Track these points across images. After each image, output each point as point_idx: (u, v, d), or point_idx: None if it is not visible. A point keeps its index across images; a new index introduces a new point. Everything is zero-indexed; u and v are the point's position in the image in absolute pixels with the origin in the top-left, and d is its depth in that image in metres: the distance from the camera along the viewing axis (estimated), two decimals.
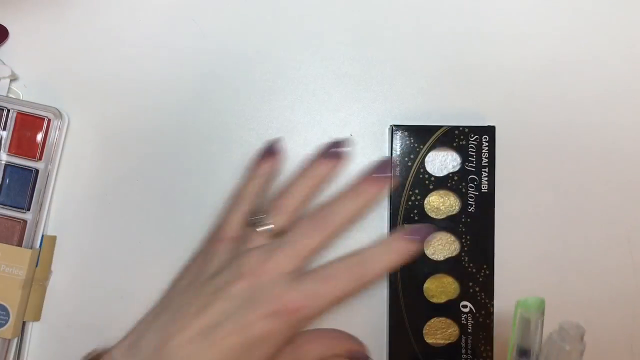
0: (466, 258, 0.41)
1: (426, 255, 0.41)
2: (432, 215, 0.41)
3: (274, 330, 0.32)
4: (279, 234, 0.35)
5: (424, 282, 0.42)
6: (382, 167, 0.37)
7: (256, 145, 0.45)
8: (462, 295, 0.42)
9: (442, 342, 0.42)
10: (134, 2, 0.45)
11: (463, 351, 0.42)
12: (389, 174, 0.37)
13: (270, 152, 0.41)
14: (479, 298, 0.42)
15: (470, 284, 0.42)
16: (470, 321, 0.42)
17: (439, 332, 0.42)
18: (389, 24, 0.45)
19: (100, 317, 0.45)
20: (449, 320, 0.42)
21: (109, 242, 0.45)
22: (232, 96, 0.45)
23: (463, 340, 0.42)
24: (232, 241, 0.36)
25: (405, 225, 0.40)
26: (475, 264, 0.41)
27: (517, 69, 0.44)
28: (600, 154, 0.45)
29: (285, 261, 0.33)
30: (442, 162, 0.42)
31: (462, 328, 0.42)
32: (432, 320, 0.42)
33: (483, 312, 0.42)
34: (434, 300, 0.42)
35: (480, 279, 0.42)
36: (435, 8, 0.45)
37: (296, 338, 0.35)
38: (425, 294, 0.42)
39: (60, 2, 0.45)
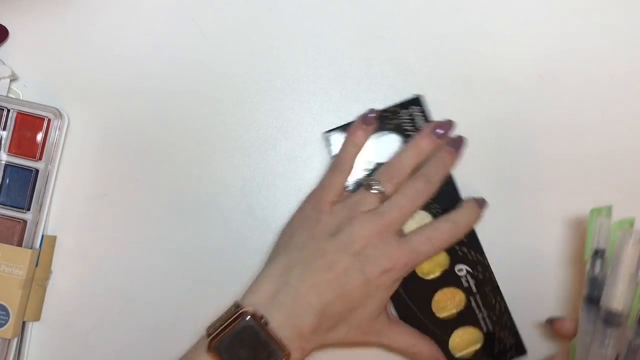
0: None
1: None
2: None
3: (386, 284, 0.38)
4: (385, 198, 0.39)
5: None
6: (457, 143, 0.41)
7: (256, 145, 0.45)
8: (454, 261, 0.42)
9: (454, 311, 0.42)
10: (134, 2, 0.45)
11: (477, 311, 0.42)
12: (461, 147, 0.41)
13: (365, 121, 0.42)
14: (470, 257, 0.42)
15: (457, 247, 0.42)
16: (471, 281, 0.42)
17: (447, 303, 0.42)
18: (389, 24, 0.45)
19: (100, 317, 0.45)
20: (451, 289, 0.42)
21: (109, 242, 0.45)
22: (232, 96, 0.45)
23: (472, 302, 0.42)
24: (342, 201, 0.40)
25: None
26: None
27: (517, 76, 0.44)
28: (601, 154, 0.45)
29: (395, 222, 0.39)
30: (384, 147, 0.43)
31: (467, 291, 0.42)
32: (436, 295, 0.42)
33: (479, 267, 0.42)
34: (431, 276, 0.42)
35: (465, 240, 0.42)
36: (435, 8, 0.45)
37: (397, 323, 0.41)
38: (420, 274, 0.42)
39: (60, 2, 0.45)
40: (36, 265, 0.43)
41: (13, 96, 0.44)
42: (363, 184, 0.40)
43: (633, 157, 0.44)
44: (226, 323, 0.36)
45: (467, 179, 0.43)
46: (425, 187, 0.39)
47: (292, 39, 0.45)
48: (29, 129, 0.43)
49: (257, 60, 0.45)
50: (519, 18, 0.45)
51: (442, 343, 0.42)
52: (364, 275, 0.37)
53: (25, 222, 0.43)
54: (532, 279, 0.44)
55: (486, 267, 0.42)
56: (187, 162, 0.44)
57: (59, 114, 0.43)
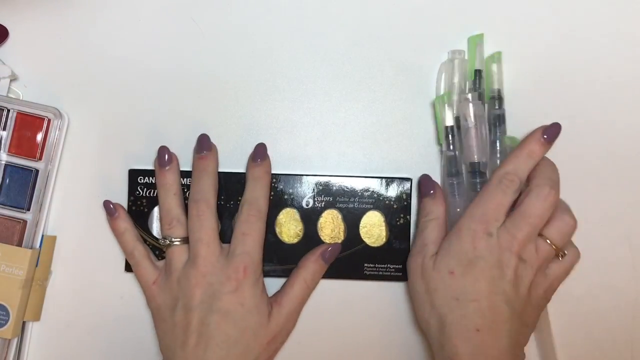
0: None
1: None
2: None
3: (246, 295, 0.40)
4: (186, 239, 0.41)
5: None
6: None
7: (256, 144, 0.45)
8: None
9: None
10: (134, 2, 0.45)
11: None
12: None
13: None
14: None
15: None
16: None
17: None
18: (389, 24, 0.45)
19: (100, 317, 0.45)
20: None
21: (108, 242, 0.44)
22: (232, 96, 0.45)
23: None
24: (161, 276, 0.42)
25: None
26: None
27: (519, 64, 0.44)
28: (600, 154, 0.45)
29: (208, 254, 0.40)
30: None
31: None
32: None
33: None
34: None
35: None
36: (435, 8, 0.45)
37: (282, 289, 0.43)
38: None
39: (60, 2, 0.45)
40: (36, 265, 0.43)
41: (13, 96, 0.44)
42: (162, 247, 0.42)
43: (633, 157, 0.44)
44: None
45: None
46: (205, 209, 0.40)
47: (292, 39, 0.45)
48: (29, 129, 0.43)
49: (257, 60, 0.45)
50: (520, 18, 0.45)
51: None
52: (220, 311, 0.39)
53: (25, 222, 0.43)
54: None
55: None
56: (187, 162, 0.44)
57: (59, 114, 0.43)
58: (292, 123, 0.45)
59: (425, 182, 0.43)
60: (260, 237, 0.41)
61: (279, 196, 0.44)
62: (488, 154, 0.42)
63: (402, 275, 0.44)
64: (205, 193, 0.41)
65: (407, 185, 0.44)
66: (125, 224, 0.43)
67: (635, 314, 0.43)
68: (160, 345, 0.41)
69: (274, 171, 0.44)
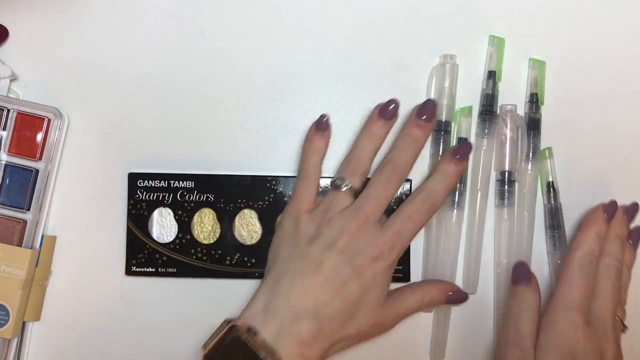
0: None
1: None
2: None
3: (380, 271, 0.39)
4: (357, 192, 0.40)
5: None
6: (425, 110, 0.41)
7: (257, 145, 0.45)
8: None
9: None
10: (134, 2, 0.45)
11: None
12: (433, 117, 0.41)
13: (319, 127, 0.42)
14: None
15: None
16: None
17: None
18: (389, 24, 0.45)
19: (100, 317, 0.45)
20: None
21: (109, 242, 0.44)
22: (232, 96, 0.45)
23: None
24: (316, 208, 0.41)
25: (449, 150, 0.42)
26: None
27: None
28: (600, 153, 0.45)
29: (373, 213, 0.39)
30: None
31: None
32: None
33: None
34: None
35: None
36: (435, 8, 0.45)
37: (401, 292, 0.41)
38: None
39: (60, 2, 0.45)
40: (36, 265, 0.43)
41: (13, 96, 0.44)
42: (330, 186, 0.41)
43: (633, 157, 0.44)
44: (217, 338, 0.36)
45: None
46: (394, 172, 0.40)
47: (292, 39, 0.45)
48: (29, 129, 0.43)
49: (257, 60, 0.45)
50: (523, 19, 0.45)
51: None
52: (355, 268, 0.38)
53: (25, 222, 0.43)
54: None
55: None
56: (187, 162, 0.44)
57: (59, 114, 0.43)
58: (292, 123, 0.45)
59: (520, 268, 0.42)
60: (421, 228, 0.40)
61: (279, 198, 0.44)
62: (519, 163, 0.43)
63: (402, 277, 0.44)
64: (406, 164, 0.40)
65: (406, 186, 0.44)
66: (324, 146, 0.42)
67: (635, 313, 0.43)
68: (273, 257, 0.41)
69: (273, 172, 0.44)
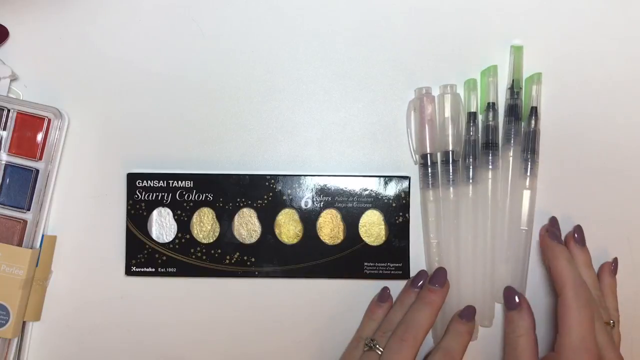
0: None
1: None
2: None
3: None
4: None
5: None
6: (437, 279, 0.42)
7: (256, 145, 0.45)
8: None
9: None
10: (134, 2, 0.45)
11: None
12: (445, 281, 0.42)
13: (381, 299, 0.44)
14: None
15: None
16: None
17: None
18: (389, 24, 0.45)
19: (100, 317, 0.45)
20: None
21: (109, 242, 0.45)
22: (232, 96, 0.45)
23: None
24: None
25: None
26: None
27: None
28: (599, 154, 0.45)
29: None
30: None
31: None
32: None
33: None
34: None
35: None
36: (435, 8, 0.45)
37: None
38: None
39: (60, 2, 0.45)
40: (36, 265, 0.43)
41: (13, 96, 0.44)
42: (368, 345, 0.42)
43: (633, 157, 0.44)
44: None
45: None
46: (407, 331, 0.40)
47: (292, 39, 0.45)
48: (29, 129, 0.43)
49: (257, 60, 0.45)
50: (523, 19, 0.45)
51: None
52: None
53: (25, 222, 0.43)
54: None
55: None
56: (187, 162, 0.44)
57: (59, 114, 0.43)
58: (292, 123, 0.45)
59: (509, 294, 0.41)
60: None
61: (278, 197, 0.44)
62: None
63: (401, 274, 0.44)
64: (420, 326, 0.41)
65: (405, 183, 0.44)
66: (382, 315, 0.43)
67: (635, 313, 0.43)
68: None
69: (273, 171, 0.44)
